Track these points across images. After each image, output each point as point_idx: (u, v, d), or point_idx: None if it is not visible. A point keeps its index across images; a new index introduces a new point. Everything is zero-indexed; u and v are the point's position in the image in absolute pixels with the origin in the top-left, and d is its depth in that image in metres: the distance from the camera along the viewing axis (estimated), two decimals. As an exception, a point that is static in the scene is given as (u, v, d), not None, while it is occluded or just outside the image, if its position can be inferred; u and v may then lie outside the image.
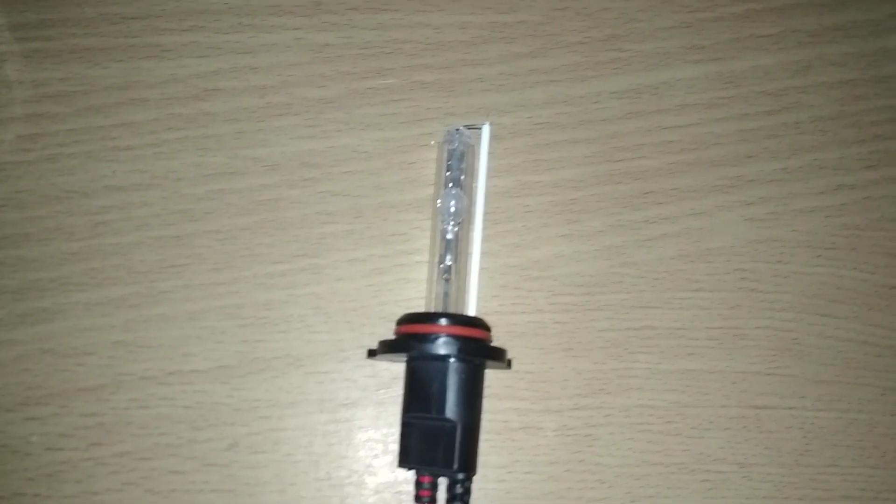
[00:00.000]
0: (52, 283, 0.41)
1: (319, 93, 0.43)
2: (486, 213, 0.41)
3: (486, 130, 0.41)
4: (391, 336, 0.38)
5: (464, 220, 0.40)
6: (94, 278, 0.41)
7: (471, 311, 0.39)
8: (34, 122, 0.42)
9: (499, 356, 0.37)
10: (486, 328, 0.38)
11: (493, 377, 0.40)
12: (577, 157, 0.43)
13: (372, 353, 0.38)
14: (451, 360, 0.36)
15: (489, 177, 0.42)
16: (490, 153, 0.42)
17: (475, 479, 0.38)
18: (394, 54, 0.44)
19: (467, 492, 0.36)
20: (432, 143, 0.42)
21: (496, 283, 0.42)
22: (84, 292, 0.40)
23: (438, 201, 0.40)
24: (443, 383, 0.36)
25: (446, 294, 0.39)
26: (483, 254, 0.41)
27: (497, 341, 0.39)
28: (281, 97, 0.43)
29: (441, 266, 0.39)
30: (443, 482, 0.37)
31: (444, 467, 0.36)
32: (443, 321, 0.37)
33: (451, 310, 0.39)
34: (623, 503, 0.40)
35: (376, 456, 0.40)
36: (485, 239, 0.41)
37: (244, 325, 0.41)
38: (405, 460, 0.37)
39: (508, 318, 0.41)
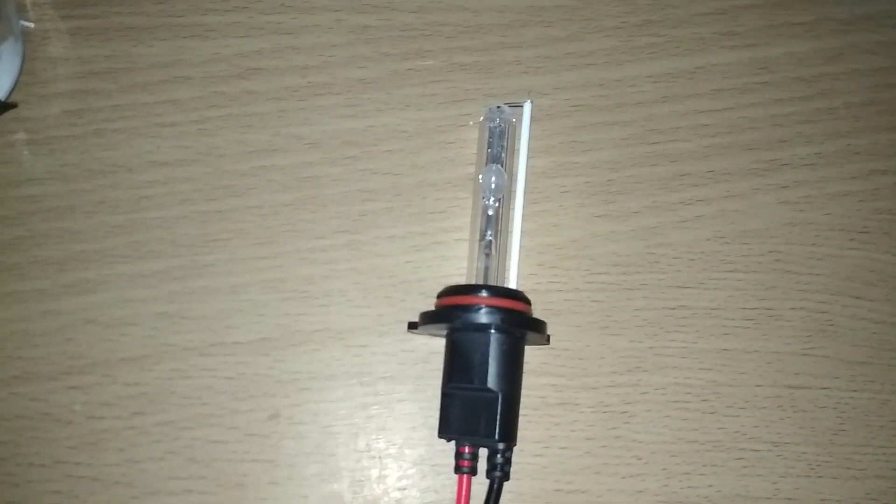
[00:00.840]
0: (97, 255, 0.41)
1: (360, 73, 0.44)
2: (524, 193, 0.41)
3: (527, 108, 0.42)
4: (433, 309, 0.38)
5: (504, 196, 0.40)
6: (138, 251, 0.41)
7: (512, 286, 0.40)
8: (80, 97, 0.43)
9: (540, 328, 0.38)
10: (528, 301, 0.38)
11: (530, 353, 0.40)
12: (613, 139, 0.44)
13: (413, 326, 0.39)
14: (493, 330, 0.36)
15: (528, 157, 0.42)
16: (529, 134, 0.42)
17: (513, 453, 0.38)
18: (433, 36, 0.44)
19: (508, 462, 0.37)
20: (471, 123, 0.43)
21: (533, 261, 0.42)
22: (128, 264, 0.41)
23: (480, 177, 0.40)
24: (485, 354, 0.36)
25: (487, 269, 0.39)
26: (521, 232, 0.41)
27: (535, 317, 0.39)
28: (322, 77, 0.44)
29: (482, 241, 0.40)
30: (483, 453, 0.37)
31: (485, 437, 0.36)
32: (485, 293, 0.37)
33: (492, 284, 0.39)
34: (658, 480, 0.40)
35: (415, 428, 0.40)
36: (523, 218, 0.41)
37: (286, 298, 0.41)
38: (446, 430, 0.37)
39: (546, 296, 0.42)
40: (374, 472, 0.40)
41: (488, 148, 0.41)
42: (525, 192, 0.41)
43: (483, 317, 0.36)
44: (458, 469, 0.37)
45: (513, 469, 0.38)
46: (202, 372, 0.40)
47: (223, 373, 0.40)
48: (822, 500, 0.41)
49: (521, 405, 0.39)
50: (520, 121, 0.42)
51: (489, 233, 0.40)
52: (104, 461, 0.39)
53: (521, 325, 0.37)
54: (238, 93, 0.43)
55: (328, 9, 0.45)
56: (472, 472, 0.37)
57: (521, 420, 0.39)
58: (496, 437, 0.36)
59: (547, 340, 0.39)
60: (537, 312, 0.41)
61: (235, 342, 0.40)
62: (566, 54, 0.45)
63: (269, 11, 0.44)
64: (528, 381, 0.40)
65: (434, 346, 0.41)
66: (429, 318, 0.38)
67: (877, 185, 0.45)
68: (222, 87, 0.43)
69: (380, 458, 0.40)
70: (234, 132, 0.43)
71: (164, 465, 0.39)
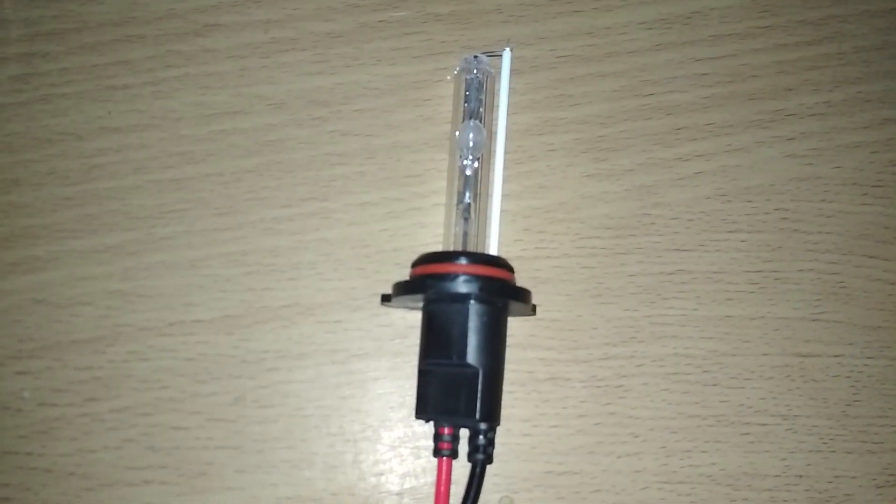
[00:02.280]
0: (45, 230, 0.38)
1: (327, 26, 0.41)
2: (507, 152, 0.38)
3: (506, 57, 0.38)
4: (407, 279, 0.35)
5: (483, 155, 0.37)
6: (90, 224, 0.38)
7: (492, 253, 0.37)
8: (26, 61, 0.40)
9: (523, 297, 0.35)
10: (510, 268, 0.35)
11: (516, 325, 0.38)
12: (603, 91, 0.40)
13: (386, 298, 0.36)
14: (472, 301, 0.33)
15: (510, 113, 0.39)
16: (511, 88, 0.39)
17: (498, 431, 0.35)
18: (406, -15, 0.41)
19: (491, 443, 0.34)
20: (448, 77, 0.40)
21: (519, 226, 0.39)
22: (79, 239, 0.38)
23: (456, 134, 0.37)
24: (463, 326, 0.33)
25: (465, 234, 0.36)
26: (505, 195, 0.38)
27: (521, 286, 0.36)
28: (286, 32, 0.40)
29: (460, 204, 0.36)
30: (464, 434, 0.34)
31: (465, 417, 0.33)
32: (462, 260, 0.34)
33: (471, 250, 0.36)
34: (657, 458, 0.37)
35: (392, 409, 0.37)
36: (506, 179, 0.38)
37: (250, 272, 0.38)
38: (423, 411, 0.34)
39: (533, 263, 0.39)
40: (349, 457, 0.37)
41: (465, 102, 0.37)
42: (506, 151, 0.38)
43: (460, 286, 0.33)
44: (437, 452, 0.34)
45: (499, 450, 0.35)
46: (160, 353, 0.37)
47: (183, 354, 0.37)
48: (836, 476, 0.38)
49: (508, 381, 0.36)
50: (499, 71, 0.38)
51: (467, 195, 0.37)
52: (57, 451, 0.36)
53: (502, 293, 0.34)
54: (195, 51, 0.40)
55: (292, -42, 0.41)
56: (453, 454, 0.34)
57: (507, 397, 0.36)
58: (477, 416, 0.33)
59: (533, 311, 0.36)
60: (524, 281, 0.38)
61: (196, 320, 0.37)
62: (551, 1, 0.41)
63: (227, -38, 0.41)
64: (515, 354, 0.37)
65: (412, 319, 0.38)
66: (402, 290, 0.35)
67: (890, 135, 0.41)
68: (178, 45, 0.40)
69: (354, 441, 0.37)
70: (191, 94, 0.40)
71: (122, 454, 0.36)
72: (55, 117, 0.39)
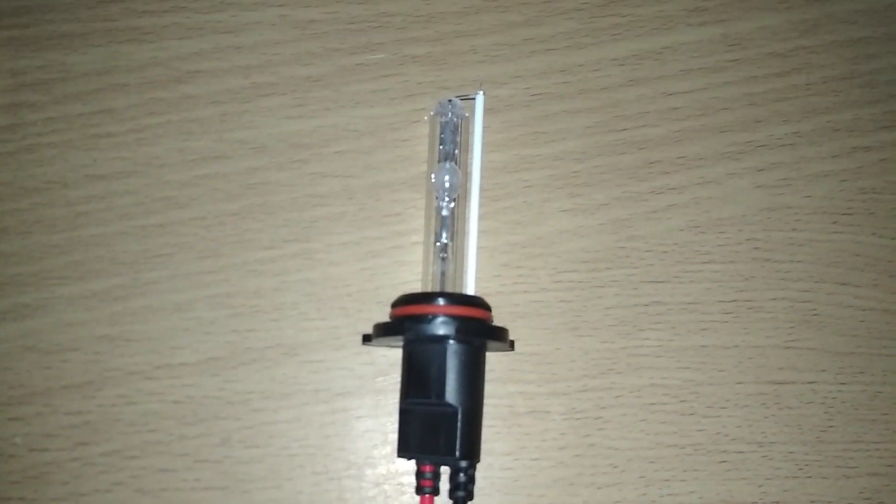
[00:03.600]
0: (33, 278, 0.39)
1: (306, 71, 0.41)
2: (484, 190, 0.39)
3: (479, 100, 0.39)
4: (387, 320, 0.36)
5: (459, 195, 0.38)
6: (77, 271, 0.39)
7: (469, 292, 0.38)
8: (11, 112, 0.41)
9: (500, 336, 0.35)
10: (487, 307, 0.36)
11: (496, 360, 0.38)
12: (577, 127, 0.41)
13: (367, 339, 0.36)
14: (450, 341, 0.34)
15: (486, 152, 0.40)
16: (486, 127, 0.40)
17: (479, 467, 0.36)
18: (382, 28, 0.42)
19: (471, 480, 0.35)
20: (425, 118, 0.41)
21: (497, 261, 0.40)
22: (66, 286, 0.39)
23: (432, 176, 0.38)
24: (442, 366, 0.34)
25: (443, 274, 0.37)
26: (482, 232, 0.39)
27: (499, 322, 0.37)
28: (266, 77, 0.41)
29: (437, 244, 0.37)
30: (445, 471, 0.35)
31: (445, 455, 0.34)
32: (440, 301, 0.35)
33: (449, 290, 0.37)
34: (636, 488, 0.38)
35: (375, 446, 0.38)
36: (484, 216, 0.39)
37: (234, 314, 0.39)
38: (405, 449, 0.35)
39: (511, 297, 0.39)
40: (334, 495, 0.38)
41: (440, 145, 0.38)
42: (482, 188, 0.39)
43: (438, 327, 0.34)
44: (419, 490, 0.35)
45: (481, 484, 0.36)
46: (148, 397, 0.38)
47: (170, 396, 0.38)
48: (812, 501, 0.39)
49: (488, 415, 0.37)
50: (472, 114, 0.39)
51: (444, 235, 0.37)
52: (49, 495, 0.37)
53: (479, 333, 0.35)
54: (177, 98, 0.41)
55: (270, 4, 0.42)
56: (435, 492, 0.35)
57: (488, 431, 0.37)
58: (457, 454, 0.34)
59: (511, 346, 0.37)
60: (502, 316, 0.38)
61: (182, 363, 0.38)
62: (524, 40, 0.42)
63: (207, 10, 0.42)
64: (494, 389, 0.38)
65: (394, 357, 0.38)
66: (381, 331, 0.35)
67: (860, 164, 0.42)
68: (160, 92, 0.41)
69: (339, 479, 0.38)
70: (173, 140, 0.40)
71: (111, 496, 0.37)
72: (41, 166, 0.40)
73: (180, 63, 0.41)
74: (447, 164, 0.38)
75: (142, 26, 0.42)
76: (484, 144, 0.39)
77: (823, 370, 0.40)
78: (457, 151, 0.38)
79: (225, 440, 0.38)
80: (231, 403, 0.38)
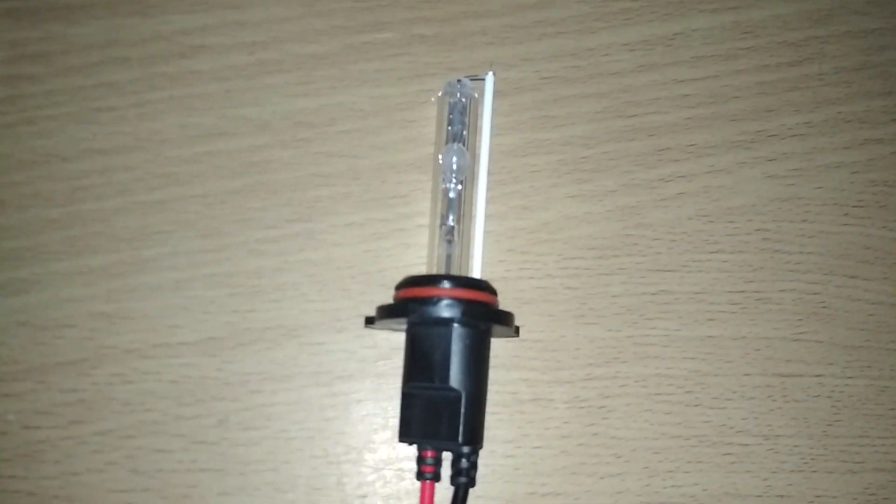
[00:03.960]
0: (29, 252, 0.38)
1: (312, 48, 0.41)
2: (491, 173, 0.39)
3: (489, 81, 0.39)
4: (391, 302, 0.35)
5: (467, 178, 0.37)
6: (74, 246, 0.38)
7: (476, 276, 0.37)
8: (11, 83, 0.40)
9: (506, 320, 0.35)
10: (493, 291, 0.35)
11: (500, 346, 0.38)
12: (587, 112, 0.41)
13: (370, 321, 0.36)
14: (455, 324, 0.33)
15: (494, 135, 0.39)
16: (494, 110, 0.39)
17: (481, 454, 0.35)
18: (391, 6, 0.41)
19: (473, 466, 0.34)
20: (432, 99, 0.40)
21: (503, 246, 0.39)
22: (63, 261, 0.38)
23: (439, 157, 0.37)
24: (446, 350, 0.33)
25: (449, 257, 0.36)
26: (488, 216, 0.38)
27: (504, 307, 0.36)
28: (271, 53, 0.41)
29: (443, 227, 0.37)
30: (447, 457, 0.35)
31: (447, 440, 0.33)
32: (445, 283, 0.34)
33: (455, 273, 0.36)
34: (640, 479, 0.38)
35: (376, 431, 0.37)
36: (490, 200, 0.39)
37: (234, 294, 0.38)
38: (406, 434, 0.34)
39: (516, 283, 0.39)
40: (332, 480, 0.37)
41: (448, 125, 0.38)
42: (489, 173, 0.38)
43: (443, 310, 0.33)
44: (420, 475, 0.34)
45: (482, 471, 0.36)
46: (144, 376, 0.37)
47: (167, 376, 0.37)
48: (817, 496, 0.38)
49: (491, 402, 0.36)
50: (482, 95, 0.38)
51: (451, 217, 0.37)
52: (40, 474, 0.36)
53: (484, 317, 0.34)
54: (180, 73, 0.40)
55: (277, -20, 0.41)
56: (436, 477, 0.34)
57: (490, 418, 0.36)
58: (459, 440, 0.33)
59: (516, 332, 0.36)
60: (507, 302, 0.38)
61: (180, 343, 0.37)
62: (535, 22, 0.42)
63: (212, -16, 0.41)
64: (497, 375, 0.37)
65: (396, 341, 0.38)
66: (385, 313, 0.35)
67: (871, 155, 0.42)
68: (163, 67, 0.40)
69: (338, 463, 0.37)
70: (176, 116, 0.40)
71: (105, 476, 0.36)
72: (40, 139, 0.39)
73: (184, 38, 0.41)
74: (455, 146, 0.37)
75: (145, -1, 0.41)
76: (492, 127, 0.39)
77: (831, 363, 0.39)
78: (465, 133, 0.38)
79: (222, 421, 0.37)
80: (229, 384, 0.37)
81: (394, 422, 0.37)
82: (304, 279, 0.38)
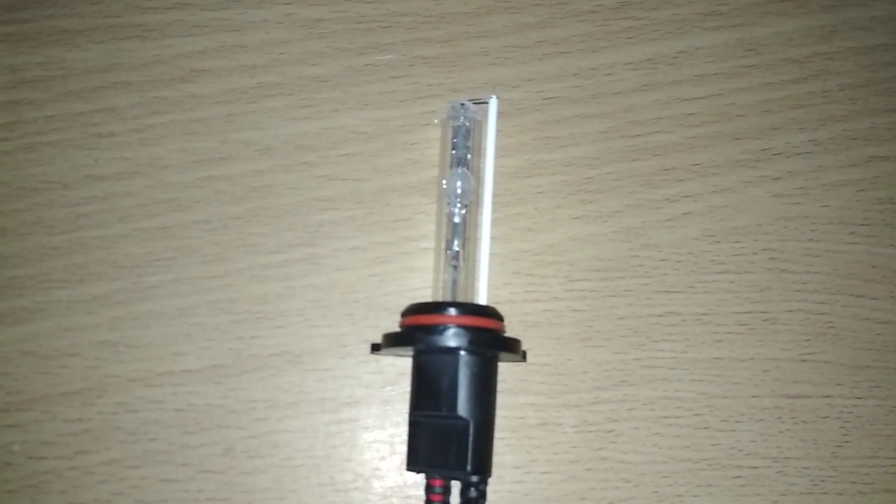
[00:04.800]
0: (32, 281, 0.38)
1: (314, 71, 0.40)
2: (495, 195, 0.38)
3: (493, 104, 0.38)
4: (396, 329, 0.35)
5: (471, 201, 0.37)
6: (77, 274, 0.38)
7: (481, 300, 0.37)
8: (10, 109, 0.40)
9: (513, 347, 0.35)
10: (499, 318, 0.35)
11: (507, 371, 0.37)
12: (590, 133, 0.40)
13: (376, 348, 0.36)
14: (462, 352, 0.33)
15: (497, 156, 0.39)
16: (498, 131, 0.39)
17: (490, 480, 0.35)
18: (392, 28, 0.41)
19: (482, 495, 0.34)
20: (435, 121, 0.40)
21: (508, 269, 0.39)
22: (66, 289, 0.38)
23: (444, 182, 0.37)
24: (453, 378, 0.33)
25: (454, 282, 0.36)
26: (493, 239, 0.38)
27: (510, 332, 0.36)
28: (273, 76, 0.40)
29: (448, 252, 0.36)
30: (455, 485, 0.34)
31: (456, 469, 0.33)
32: (452, 311, 0.34)
33: (461, 299, 0.36)
34: (649, 503, 0.37)
35: (383, 458, 0.37)
36: (495, 223, 0.38)
37: (238, 320, 0.38)
38: (414, 463, 0.34)
39: (521, 306, 0.39)
40: (340, 508, 0.37)
41: (452, 149, 0.37)
42: (493, 197, 0.38)
43: (449, 338, 0.33)
44: (428, 504, 0.34)
45: (491, 497, 0.35)
46: (149, 405, 0.37)
47: (172, 404, 0.37)
48: (827, 517, 0.38)
49: (499, 427, 0.36)
50: (485, 119, 0.38)
51: (456, 242, 0.36)
52: (46, 505, 0.36)
53: (491, 345, 0.34)
54: (181, 97, 0.40)
55: (277, 2, 0.41)
56: (445, 506, 0.34)
57: (498, 444, 0.36)
58: (468, 468, 0.33)
59: (523, 358, 0.36)
60: (513, 325, 0.38)
61: (185, 370, 0.37)
62: (537, 42, 0.41)
63: (212, 7, 0.41)
64: (505, 400, 0.37)
65: (402, 366, 0.37)
66: (391, 341, 0.34)
67: (877, 173, 0.41)
68: (164, 91, 0.40)
69: (345, 491, 0.37)
70: (177, 140, 0.39)
71: (111, 507, 0.36)
72: (41, 166, 0.39)
73: (184, 61, 0.40)
74: (459, 170, 0.37)
75: (145, 23, 0.41)
76: (496, 148, 0.38)
77: (839, 384, 0.39)
78: (469, 156, 0.37)
79: (228, 450, 0.37)
80: (235, 412, 0.37)
81: (401, 449, 0.37)
82: (308, 304, 0.38)
